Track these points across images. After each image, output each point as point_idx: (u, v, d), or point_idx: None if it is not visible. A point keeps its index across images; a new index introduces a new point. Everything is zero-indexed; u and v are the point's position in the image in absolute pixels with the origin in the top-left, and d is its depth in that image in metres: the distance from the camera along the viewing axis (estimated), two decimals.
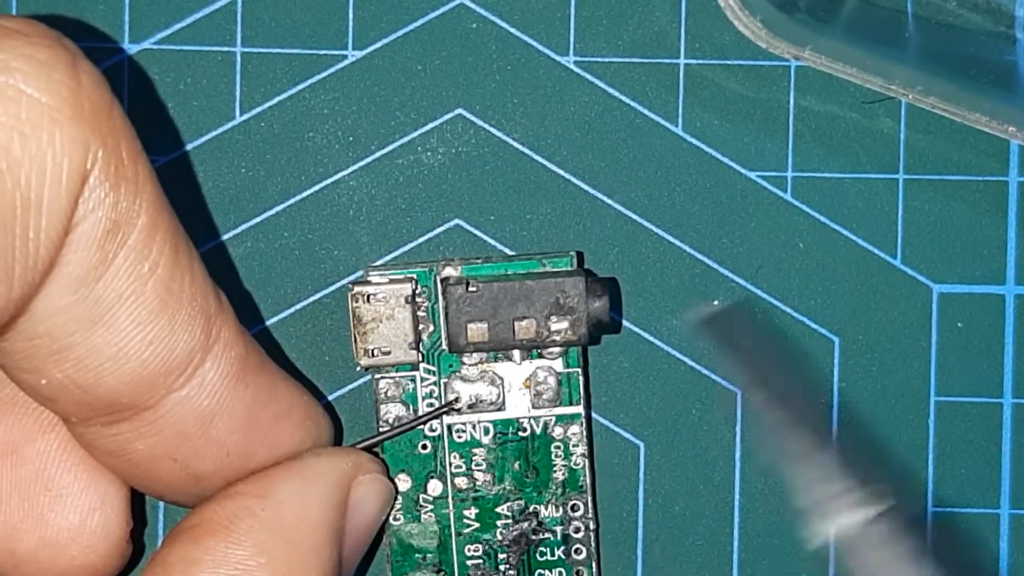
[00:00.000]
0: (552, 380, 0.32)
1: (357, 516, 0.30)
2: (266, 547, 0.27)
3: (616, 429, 0.33)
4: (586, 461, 0.32)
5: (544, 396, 0.32)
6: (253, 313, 0.33)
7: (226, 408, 0.28)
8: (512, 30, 0.33)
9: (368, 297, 0.31)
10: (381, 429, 0.32)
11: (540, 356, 0.32)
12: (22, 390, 0.27)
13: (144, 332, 0.26)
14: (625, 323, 0.33)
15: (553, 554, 0.32)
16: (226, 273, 0.33)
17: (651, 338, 0.33)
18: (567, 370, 0.32)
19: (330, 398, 0.33)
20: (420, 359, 0.32)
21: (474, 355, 0.32)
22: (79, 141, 0.25)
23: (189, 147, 0.33)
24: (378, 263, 0.33)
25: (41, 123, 0.24)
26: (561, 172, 0.33)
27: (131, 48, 0.33)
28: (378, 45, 0.33)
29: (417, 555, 0.32)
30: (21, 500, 0.29)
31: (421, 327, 0.32)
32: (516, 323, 0.31)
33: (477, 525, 0.32)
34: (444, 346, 0.31)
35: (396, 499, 0.32)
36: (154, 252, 0.26)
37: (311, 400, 0.30)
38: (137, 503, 0.31)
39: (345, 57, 0.33)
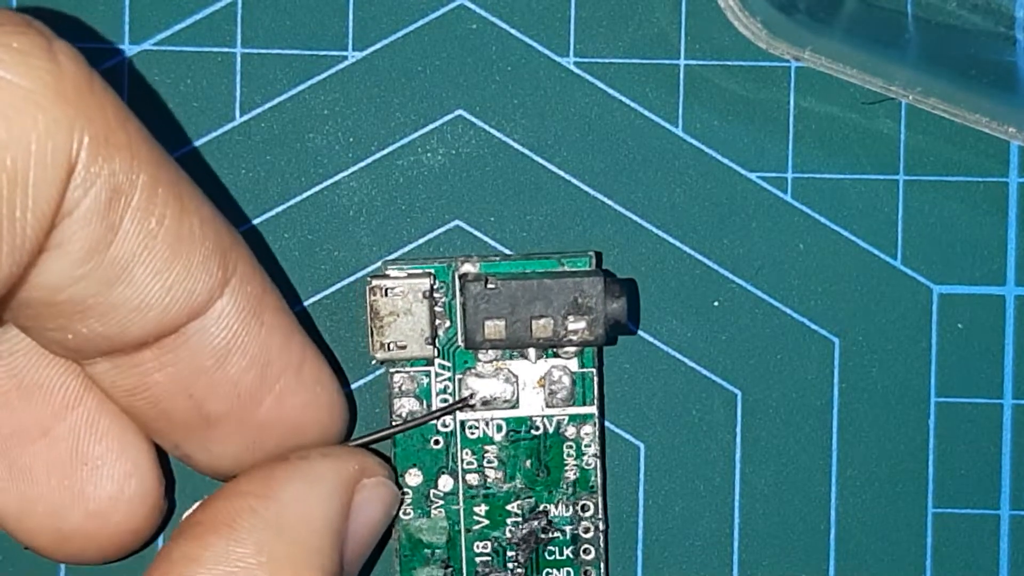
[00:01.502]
0: (567, 380, 0.32)
1: (360, 519, 0.30)
2: (267, 546, 0.27)
3: (616, 430, 0.33)
4: (598, 462, 0.32)
5: (558, 395, 0.32)
6: None
7: (241, 343, 0.28)
8: (512, 31, 0.33)
9: (386, 291, 0.31)
10: (394, 423, 0.32)
11: (555, 355, 0.32)
12: (46, 347, 0.28)
13: (162, 280, 0.27)
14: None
15: (562, 553, 0.32)
16: None
17: (651, 339, 0.33)
18: (582, 370, 0.32)
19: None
20: (436, 354, 0.32)
21: (489, 352, 0.32)
22: (63, 121, 0.25)
23: (189, 148, 0.33)
24: (392, 257, 0.33)
25: (24, 107, 0.25)
26: (561, 173, 0.33)
27: (131, 49, 0.33)
28: (378, 46, 0.33)
29: (426, 550, 0.32)
30: (60, 479, 0.30)
31: (438, 322, 0.32)
32: (533, 321, 0.31)
33: (487, 522, 0.32)
34: (460, 342, 0.32)
35: (402, 502, 0.32)
36: (159, 206, 0.27)
37: (327, 369, 0.30)
38: (163, 463, 0.31)
39: (345, 58, 0.33)
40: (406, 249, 0.33)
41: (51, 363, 0.30)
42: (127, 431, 0.30)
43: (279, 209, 0.33)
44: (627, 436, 0.33)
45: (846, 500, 0.33)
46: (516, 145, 0.33)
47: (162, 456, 0.31)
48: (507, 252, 0.33)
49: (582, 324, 0.31)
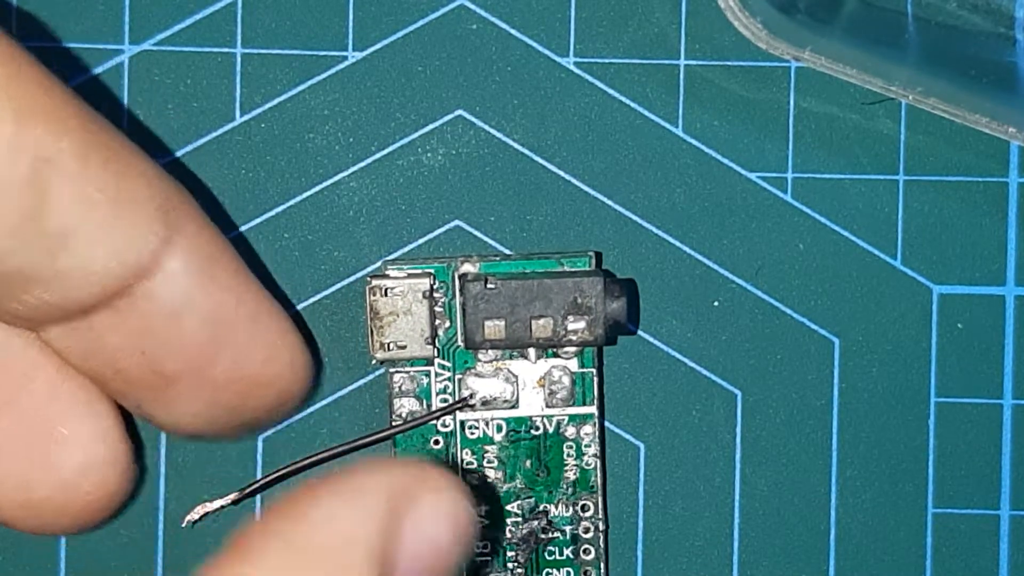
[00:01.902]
0: (567, 380, 0.32)
1: (418, 540, 0.25)
2: (288, 573, 0.25)
3: (616, 430, 0.33)
4: (598, 462, 0.32)
5: (558, 395, 0.32)
6: None
7: (193, 301, 0.28)
8: (512, 31, 0.33)
9: (386, 291, 0.31)
10: (394, 423, 0.32)
11: (555, 355, 0.32)
12: None
13: (104, 246, 0.26)
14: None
15: (562, 553, 0.32)
16: None
17: (651, 339, 0.33)
18: (582, 370, 0.32)
19: (339, 394, 0.33)
20: (435, 354, 0.32)
21: (489, 352, 0.32)
22: None
23: (189, 148, 0.33)
24: (392, 257, 0.33)
25: None
26: (561, 173, 0.33)
27: (131, 49, 0.33)
28: (378, 46, 0.33)
29: None
30: (28, 451, 0.29)
31: (437, 322, 0.32)
32: (533, 321, 0.31)
33: (487, 522, 0.32)
34: (460, 342, 0.32)
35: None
36: (93, 170, 0.26)
37: (288, 323, 0.29)
38: (130, 429, 0.31)
39: (345, 58, 0.33)
40: (406, 249, 0.33)
41: (5, 334, 0.29)
42: (91, 397, 0.29)
43: (279, 209, 0.33)
44: (627, 436, 0.33)
45: (846, 500, 0.33)
46: (516, 145, 0.33)
47: (129, 422, 0.31)
48: (507, 252, 0.33)
49: (582, 324, 0.31)
